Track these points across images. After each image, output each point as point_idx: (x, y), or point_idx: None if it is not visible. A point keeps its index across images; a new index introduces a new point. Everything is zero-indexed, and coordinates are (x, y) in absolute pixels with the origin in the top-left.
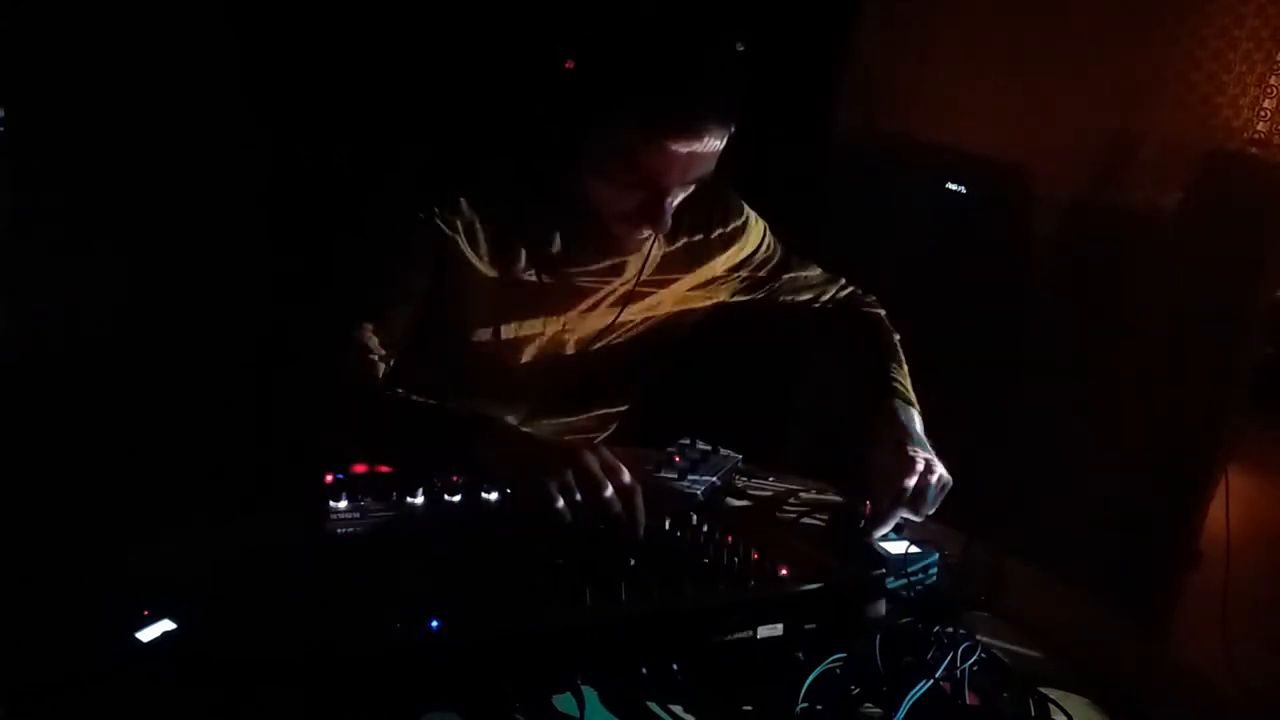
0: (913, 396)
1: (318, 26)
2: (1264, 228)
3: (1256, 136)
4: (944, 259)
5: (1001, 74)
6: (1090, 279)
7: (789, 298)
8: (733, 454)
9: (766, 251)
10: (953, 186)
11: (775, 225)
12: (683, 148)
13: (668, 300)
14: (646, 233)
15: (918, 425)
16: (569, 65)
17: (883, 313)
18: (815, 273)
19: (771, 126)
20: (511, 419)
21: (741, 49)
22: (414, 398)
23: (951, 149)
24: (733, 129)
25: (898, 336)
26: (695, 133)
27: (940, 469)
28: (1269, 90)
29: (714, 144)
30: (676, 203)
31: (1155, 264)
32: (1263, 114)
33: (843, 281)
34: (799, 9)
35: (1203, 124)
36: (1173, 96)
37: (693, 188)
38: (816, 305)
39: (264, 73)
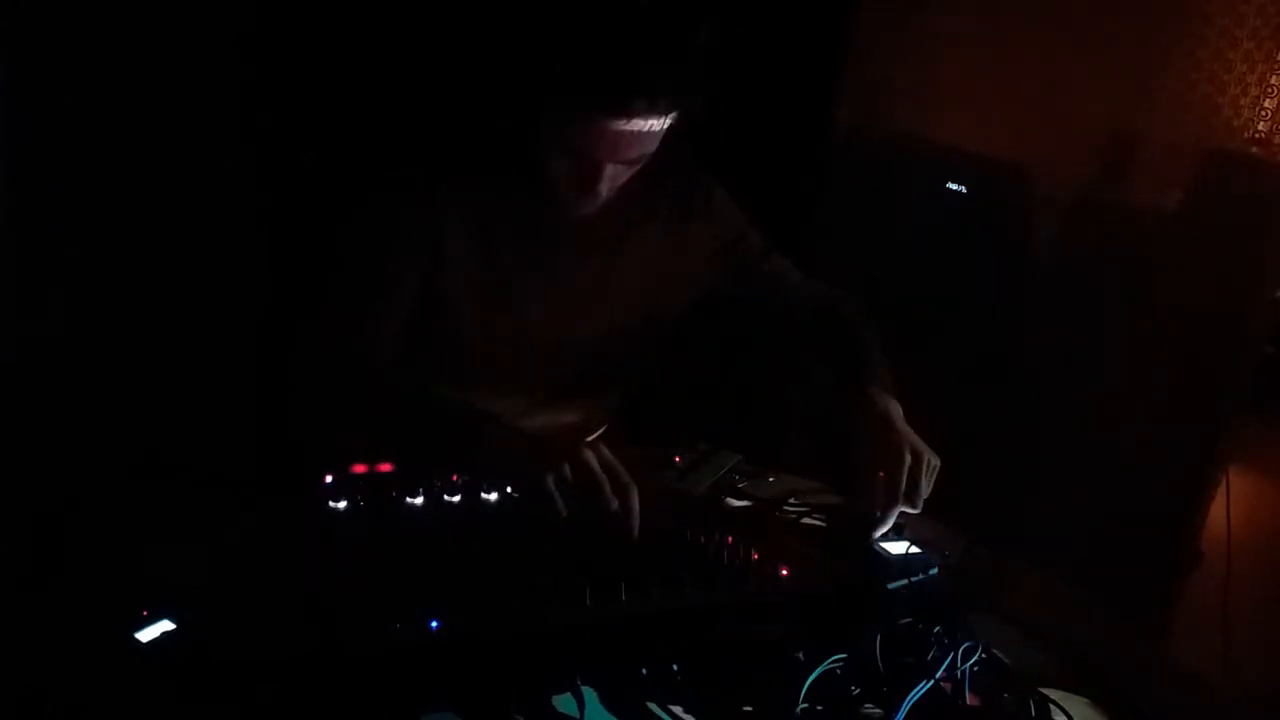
0: (890, 387)
1: (306, 27)
2: (1264, 227)
3: (1257, 136)
4: (944, 258)
5: (1002, 73)
6: (1090, 278)
7: (767, 293)
8: (733, 453)
9: (746, 242)
10: (953, 186)
11: (775, 223)
12: (613, 126)
13: (650, 285)
14: (587, 203)
15: (898, 413)
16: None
17: (860, 310)
18: (793, 271)
19: (771, 124)
20: (508, 414)
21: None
22: (412, 392)
23: (952, 148)
24: (677, 111)
25: (877, 334)
26: (624, 112)
27: (928, 453)
28: (1270, 89)
29: (649, 124)
30: (618, 179)
31: (1156, 263)
32: (1263, 113)
33: (819, 283)
34: (798, 6)
35: (1203, 123)
36: (1173, 95)
37: (635, 166)
38: (794, 301)
39: (260, 71)
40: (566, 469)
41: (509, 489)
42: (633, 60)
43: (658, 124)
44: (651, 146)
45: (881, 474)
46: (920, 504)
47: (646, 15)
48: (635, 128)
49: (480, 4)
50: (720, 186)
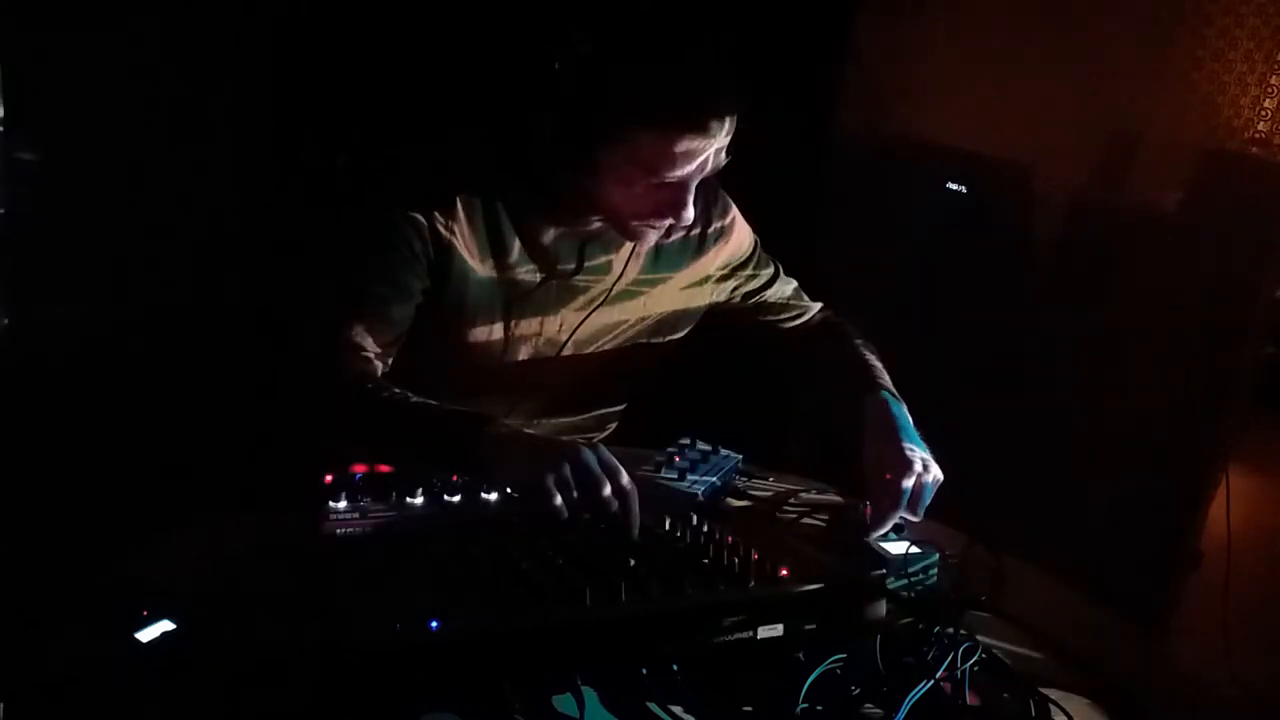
0: (896, 394)
1: (324, 27)
2: (1264, 227)
3: (1257, 136)
4: (945, 258)
5: (1002, 73)
6: (1091, 278)
7: (773, 316)
8: (733, 454)
9: (756, 263)
10: (953, 186)
11: (776, 225)
12: (698, 145)
13: (661, 299)
14: (668, 224)
15: (908, 420)
16: (575, 75)
17: (855, 328)
18: (796, 293)
19: (771, 127)
20: (510, 419)
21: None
22: (413, 397)
23: (952, 148)
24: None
25: (874, 348)
26: (709, 131)
27: (934, 466)
28: (1270, 89)
29: (725, 135)
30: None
31: (1156, 263)
32: (1264, 113)
33: (820, 304)
34: (799, 8)
35: (1203, 123)
36: (1173, 96)
37: (704, 176)
38: (797, 324)
39: (263, 72)
40: (567, 469)
41: (509, 489)
42: (717, 69)
43: (729, 134)
44: (724, 157)
45: (888, 475)
46: (921, 513)
47: (713, 23)
48: (718, 137)
49: (552, 34)
50: (736, 211)
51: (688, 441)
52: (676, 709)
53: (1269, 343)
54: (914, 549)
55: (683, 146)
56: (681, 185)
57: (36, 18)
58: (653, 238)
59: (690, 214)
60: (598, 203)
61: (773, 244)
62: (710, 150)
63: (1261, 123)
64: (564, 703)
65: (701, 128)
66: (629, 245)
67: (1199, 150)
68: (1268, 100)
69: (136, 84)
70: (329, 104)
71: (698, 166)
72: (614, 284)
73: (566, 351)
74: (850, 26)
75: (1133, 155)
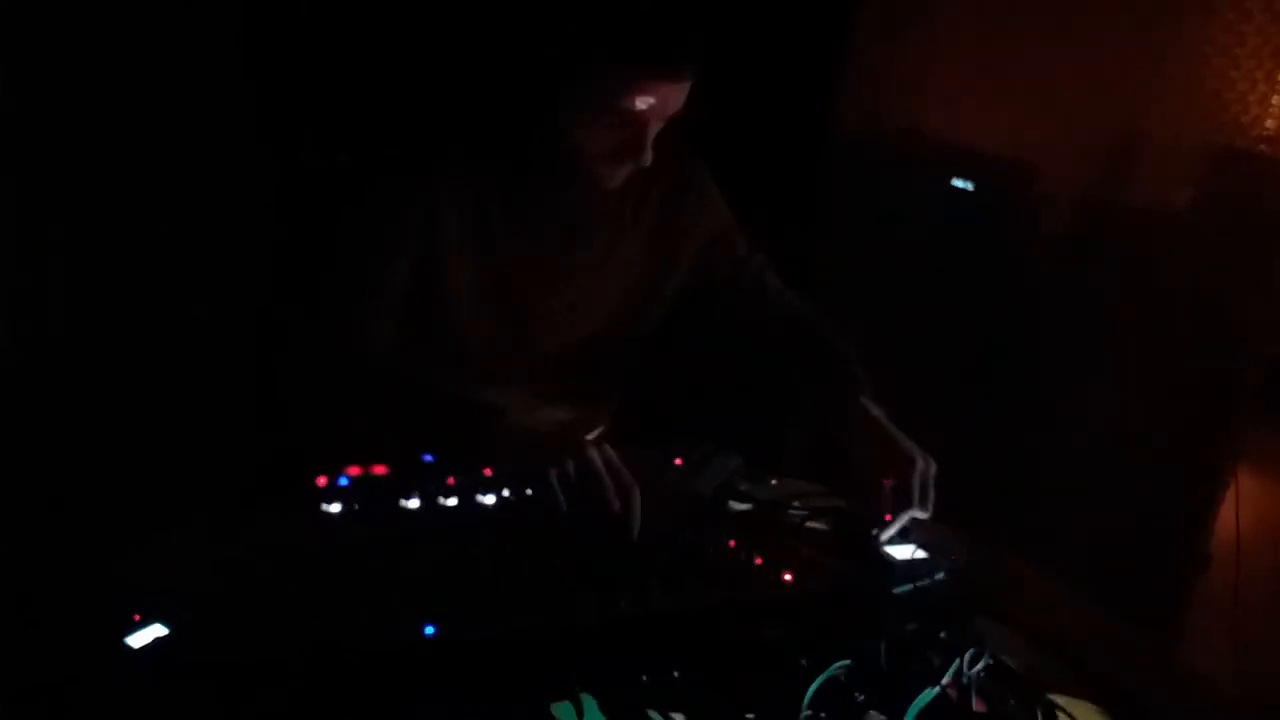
0: (871, 395)
1: (301, 14)
2: (1273, 226)
3: (1265, 134)
4: (949, 256)
5: (1008, 70)
6: (1098, 277)
7: (748, 299)
8: (733, 455)
9: (733, 240)
10: (959, 183)
11: (776, 220)
12: (656, 85)
13: (645, 271)
14: (628, 169)
15: (887, 420)
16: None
17: (837, 325)
18: (774, 280)
19: (774, 123)
20: (509, 410)
21: None
22: (417, 386)
23: (957, 145)
24: (700, 63)
25: (855, 346)
26: (667, 71)
27: (926, 456)
28: (1278, 87)
29: (686, 79)
30: (654, 136)
31: (1164, 262)
32: (1272, 111)
33: (797, 294)
34: (801, 4)
35: (1211, 121)
36: (1181, 93)
37: (664, 121)
38: (773, 312)
39: (255, 63)
40: (570, 466)
41: (510, 486)
42: (671, 17)
43: (690, 75)
44: (682, 99)
45: (888, 481)
46: (930, 507)
47: None
48: (676, 80)
49: None
50: (713, 181)
51: (688, 442)
52: (677, 716)
53: (1278, 343)
54: (920, 553)
55: (642, 89)
56: (641, 128)
57: (35, 15)
58: (615, 180)
59: (648, 158)
60: (563, 142)
61: (772, 242)
62: (670, 94)
63: (1270, 120)
64: (563, 710)
65: (661, 70)
66: (616, 213)
67: (1206, 148)
68: (1276, 97)
69: (136, 77)
70: (324, 87)
71: (655, 110)
72: (601, 255)
73: (558, 329)
74: (854, 23)
75: (1139, 153)
